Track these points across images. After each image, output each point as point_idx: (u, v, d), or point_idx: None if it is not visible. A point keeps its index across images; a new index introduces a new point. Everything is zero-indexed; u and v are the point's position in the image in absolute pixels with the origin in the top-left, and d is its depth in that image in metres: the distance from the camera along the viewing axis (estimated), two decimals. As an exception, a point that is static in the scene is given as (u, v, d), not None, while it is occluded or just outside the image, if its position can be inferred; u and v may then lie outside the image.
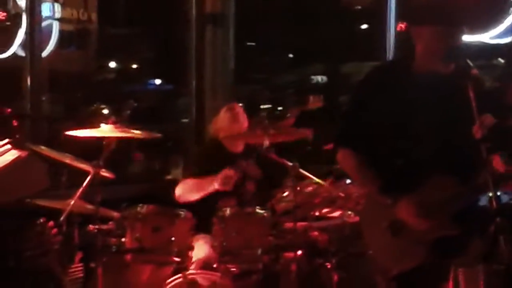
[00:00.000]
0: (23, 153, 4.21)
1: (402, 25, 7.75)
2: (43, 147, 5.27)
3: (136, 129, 5.41)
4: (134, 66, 13.95)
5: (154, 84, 14.25)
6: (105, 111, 12.03)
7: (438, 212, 3.97)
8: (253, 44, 13.39)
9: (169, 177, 8.05)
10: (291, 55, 15.48)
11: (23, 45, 7.89)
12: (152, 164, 9.80)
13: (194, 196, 5.67)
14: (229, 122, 6.05)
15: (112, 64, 13.46)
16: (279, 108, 12.87)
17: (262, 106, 12.42)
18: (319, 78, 15.21)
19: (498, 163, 4.01)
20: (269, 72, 14.52)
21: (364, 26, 14.01)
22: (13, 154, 4.23)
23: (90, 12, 11.53)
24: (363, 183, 4.39)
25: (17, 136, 4.44)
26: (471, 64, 3.95)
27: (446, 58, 4.04)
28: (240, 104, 6.38)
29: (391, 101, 4.13)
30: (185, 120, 12.18)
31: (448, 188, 3.99)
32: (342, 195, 5.45)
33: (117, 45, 12.70)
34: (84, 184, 5.26)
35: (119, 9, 12.42)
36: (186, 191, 5.77)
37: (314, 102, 9.84)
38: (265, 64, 14.32)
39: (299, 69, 15.00)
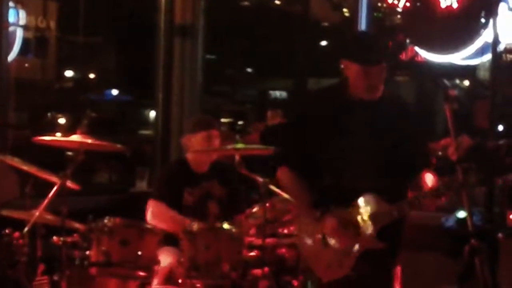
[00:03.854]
0: (-7, 162, 4.14)
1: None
2: (9, 157, 5.18)
3: (97, 140, 5.34)
4: (93, 75, 13.84)
5: (112, 95, 14.15)
6: (62, 120, 11.92)
7: (364, 228, 4.24)
8: (213, 57, 13.38)
9: (134, 189, 7.96)
10: (250, 70, 15.51)
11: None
12: (116, 176, 9.72)
13: (164, 227, 5.56)
14: (205, 145, 5.95)
15: (70, 73, 13.32)
16: (240, 122, 12.86)
17: (223, 120, 12.41)
18: (278, 94, 15.26)
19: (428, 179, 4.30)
20: (230, 85, 14.51)
21: (325, 43, 14.08)
22: (-18, 163, 4.15)
23: (49, 19, 11.37)
24: (297, 198, 4.63)
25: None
26: (448, 84, 4.08)
27: (367, 92, 4.29)
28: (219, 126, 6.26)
29: (326, 124, 4.38)
30: (144, 132, 12.12)
31: (374, 206, 4.24)
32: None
33: (76, 54, 12.56)
34: (50, 195, 5.17)
35: (80, 18, 12.25)
36: (157, 220, 5.65)
37: (273, 117, 9.89)
38: (226, 77, 14.31)
39: (260, 84, 15.02)
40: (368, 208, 4.24)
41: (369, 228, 4.21)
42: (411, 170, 4.37)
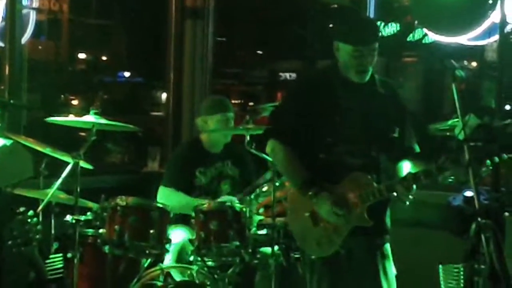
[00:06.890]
0: (8, 142, 4.21)
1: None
2: (24, 137, 5.25)
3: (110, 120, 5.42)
4: (105, 58, 13.90)
5: (124, 77, 14.22)
6: (75, 102, 12.01)
7: (354, 206, 4.26)
8: (223, 39, 13.42)
9: (146, 169, 8.04)
10: (260, 51, 15.53)
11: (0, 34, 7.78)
12: (128, 156, 9.80)
13: (175, 211, 5.61)
14: (221, 127, 6.01)
15: (83, 55, 13.38)
16: (250, 104, 12.92)
17: (233, 101, 12.48)
18: (288, 75, 15.28)
19: None
20: (240, 67, 14.54)
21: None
22: (-3, 143, 4.23)
23: (62, 2, 11.40)
24: (289, 175, 4.60)
25: (-1, 124, 4.39)
26: (456, 64, 4.10)
27: (357, 74, 4.35)
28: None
29: (321, 102, 4.42)
30: (156, 113, 12.19)
31: (364, 185, 4.27)
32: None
33: (89, 36, 12.62)
34: (64, 174, 5.25)
35: (92, 0, 12.31)
36: (169, 203, 5.64)
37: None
38: (237, 59, 14.33)
39: (270, 65, 15.03)
40: (358, 186, 4.28)
41: (359, 206, 4.26)
42: (400, 151, 4.45)
